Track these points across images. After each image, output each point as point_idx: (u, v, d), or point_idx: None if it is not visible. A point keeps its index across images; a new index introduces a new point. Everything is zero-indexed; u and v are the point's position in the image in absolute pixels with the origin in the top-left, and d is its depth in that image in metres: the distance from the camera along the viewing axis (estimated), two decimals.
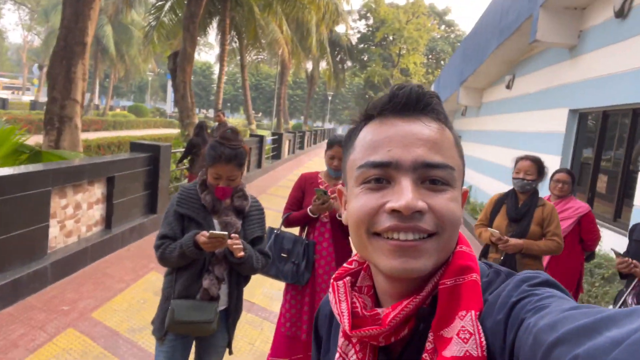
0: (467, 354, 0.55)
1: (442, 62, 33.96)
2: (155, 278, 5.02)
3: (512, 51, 8.85)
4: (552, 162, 7.05)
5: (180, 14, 15.79)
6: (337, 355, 0.70)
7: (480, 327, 0.57)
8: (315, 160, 21.73)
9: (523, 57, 9.00)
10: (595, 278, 4.87)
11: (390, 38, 28.00)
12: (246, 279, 2.40)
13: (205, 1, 12.74)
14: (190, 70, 13.15)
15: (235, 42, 23.00)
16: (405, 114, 0.65)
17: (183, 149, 9.19)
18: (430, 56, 33.40)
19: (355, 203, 0.65)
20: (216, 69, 70.33)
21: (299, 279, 2.83)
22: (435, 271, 0.64)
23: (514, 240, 2.98)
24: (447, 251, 0.64)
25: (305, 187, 3.02)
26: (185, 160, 7.84)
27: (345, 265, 0.76)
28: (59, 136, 7.67)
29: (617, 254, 2.73)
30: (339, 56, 34.84)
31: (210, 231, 2.01)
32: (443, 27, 35.13)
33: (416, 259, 0.61)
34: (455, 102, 13.78)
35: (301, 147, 24.29)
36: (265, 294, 4.89)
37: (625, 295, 2.70)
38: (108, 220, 5.91)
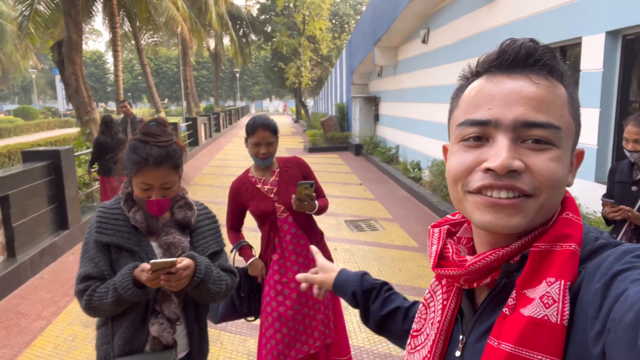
0: (545, 318, 0.54)
1: (346, 27, 33.81)
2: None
3: (426, 3, 8.69)
4: None
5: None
6: (427, 291, 0.79)
7: (567, 298, 0.55)
8: (235, 142, 20.87)
9: (436, 9, 8.88)
10: None
11: (292, 5, 27.12)
12: (208, 308, 1.88)
13: None
14: (80, 60, 11.74)
15: (127, 25, 20.97)
16: (513, 71, 0.63)
17: (87, 150, 8.14)
18: (334, 20, 33.04)
19: (453, 160, 0.65)
20: (108, 58, 65.31)
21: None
22: (529, 231, 0.62)
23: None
24: (546, 212, 0.62)
25: (241, 195, 2.55)
26: (95, 164, 6.92)
27: (448, 215, 0.79)
28: None
29: (608, 202, 2.57)
30: (242, 30, 33.44)
31: (152, 261, 1.46)
32: None
33: (511, 217, 0.60)
34: (371, 64, 13.58)
35: (218, 130, 23.21)
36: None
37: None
38: (10, 248, 4.95)
